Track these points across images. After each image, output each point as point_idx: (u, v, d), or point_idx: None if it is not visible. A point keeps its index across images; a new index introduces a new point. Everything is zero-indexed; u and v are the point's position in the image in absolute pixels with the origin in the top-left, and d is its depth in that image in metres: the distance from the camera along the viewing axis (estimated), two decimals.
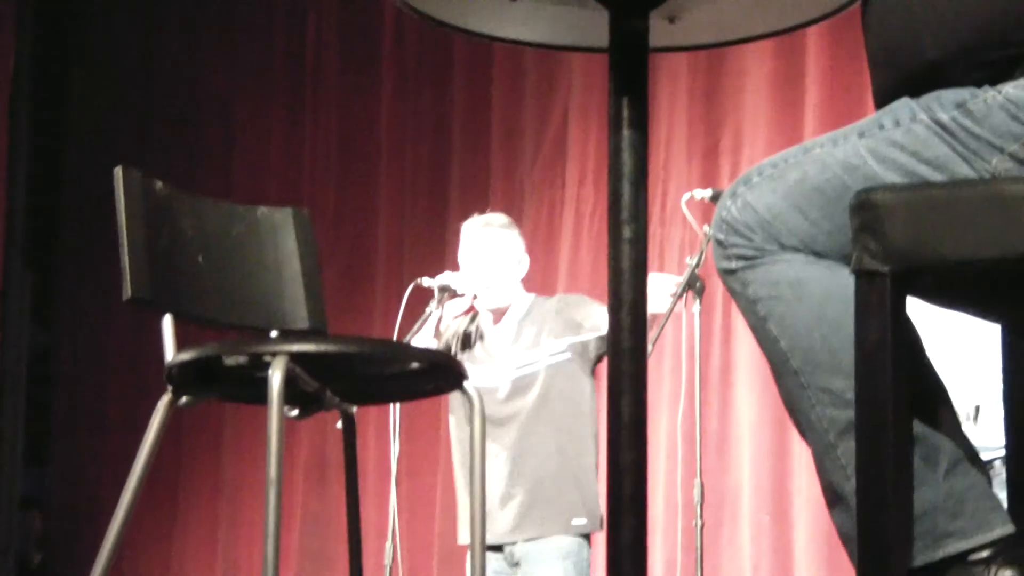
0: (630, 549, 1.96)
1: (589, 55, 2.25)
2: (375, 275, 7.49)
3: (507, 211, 7.04)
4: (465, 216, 7.26)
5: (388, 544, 5.29)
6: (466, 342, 5.07)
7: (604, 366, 2.15)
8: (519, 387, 4.86)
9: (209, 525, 8.04)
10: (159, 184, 2.97)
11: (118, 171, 2.89)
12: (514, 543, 4.82)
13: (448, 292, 5.08)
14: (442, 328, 5.10)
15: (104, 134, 8.61)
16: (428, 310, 5.16)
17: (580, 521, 4.78)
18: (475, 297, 5.06)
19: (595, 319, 4.82)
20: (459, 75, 7.51)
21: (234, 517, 7.91)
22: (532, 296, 5.09)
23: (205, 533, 8.04)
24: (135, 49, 8.74)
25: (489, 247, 5.02)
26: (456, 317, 5.11)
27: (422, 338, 5.02)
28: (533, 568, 4.78)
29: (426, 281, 5.17)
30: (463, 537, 4.99)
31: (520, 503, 4.79)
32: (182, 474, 8.06)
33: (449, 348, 5.07)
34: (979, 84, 1.80)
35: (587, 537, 4.84)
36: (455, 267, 5.23)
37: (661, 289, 4.60)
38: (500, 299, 4.99)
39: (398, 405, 5.26)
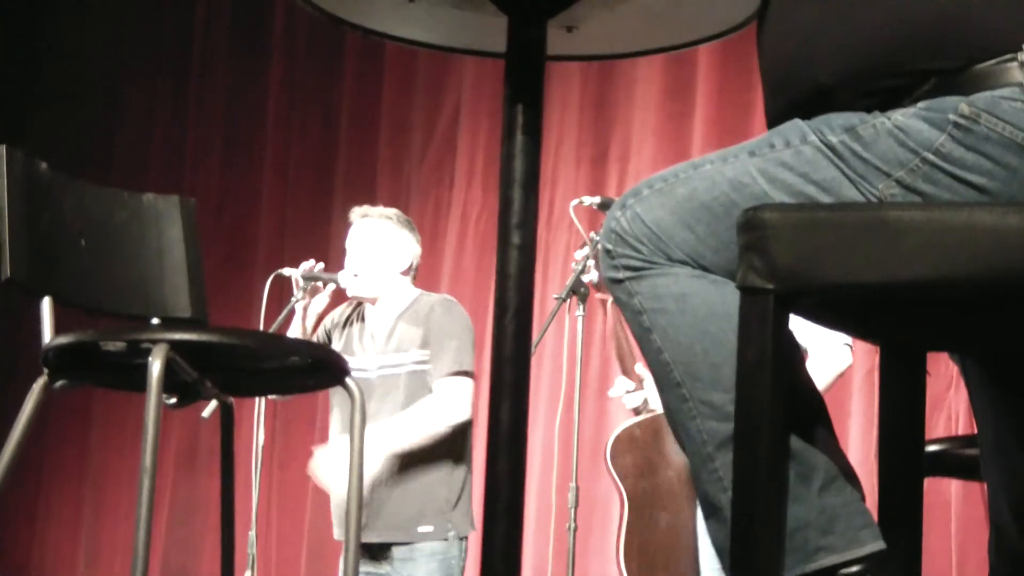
0: (503, 555, 1.97)
1: (481, 57, 2.25)
2: (256, 264, 7.44)
3: (392, 206, 7.05)
4: (349, 208, 7.25)
5: (252, 533, 5.26)
6: (346, 325, 5.06)
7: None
8: (384, 386, 4.83)
9: (73, 508, 7.93)
10: (43, 166, 2.92)
11: (1, 150, 2.84)
12: (378, 544, 4.81)
13: (312, 281, 5.07)
14: (328, 317, 5.10)
15: None
16: (293, 300, 5.15)
17: (426, 528, 4.78)
18: (339, 285, 5.06)
19: (435, 367, 4.78)
20: (349, 68, 7.48)
21: (99, 501, 7.81)
22: (417, 292, 5.04)
23: (69, 516, 7.93)
24: (17, 27, 8.59)
25: (359, 236, 5.00)
26: (342, 305, 5.09)
27: (294, 330, 5.00)
28: (400, 568, 4.78)
29: (287, 271, 5.17)
30: (337, 533, 4.99)
31: (379, 505, 4.78)
32: (47, 456, 7.94)
33: (329, 336, 5.05)
34: (869, 110, 1.83)
35: (462, 538, 4.83)
36: (337, 259, 5.22)
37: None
38: (370, 289, 4.95)
39: (263, 397, 5.24)
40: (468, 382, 4.71)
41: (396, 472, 4.79)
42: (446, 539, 4.78)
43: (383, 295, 4.96)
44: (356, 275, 4.95)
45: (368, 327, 4.98)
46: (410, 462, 4.79)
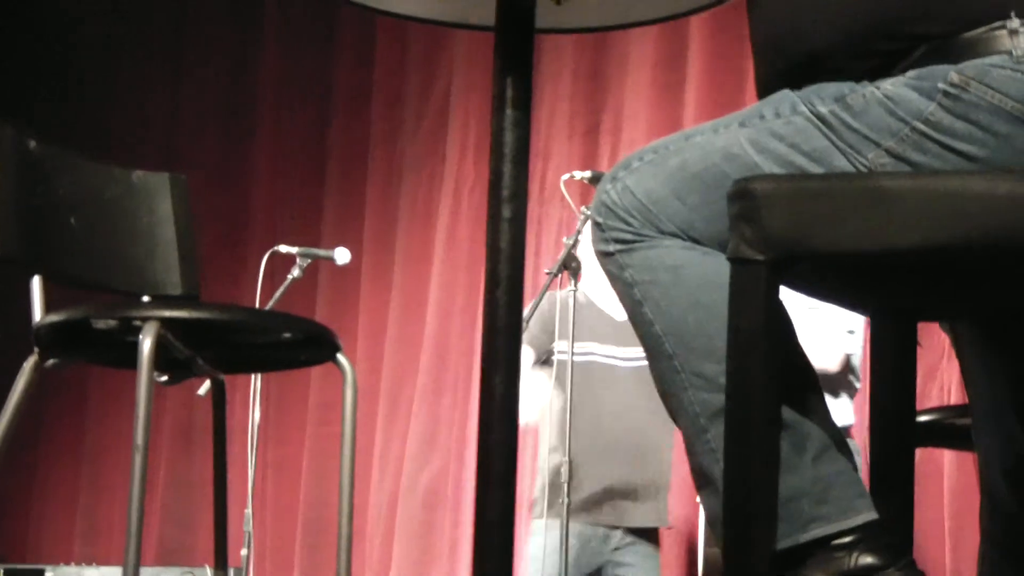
0: (498, 526, 1.97)
1: (473, 31, 2.24)
2: (250, 241, 7.43)
3: (385, 182, 7.04)
4: (342, 184, 7.24)
5: (247, 511, 5.26)
6: (575, 312, 4.86)
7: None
8: (639, 376, 4.73)
9: (69, 487, 7.93)
10: (32, 142, 2.91)
11: None
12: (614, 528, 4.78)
13: (309, 258, 5.04)
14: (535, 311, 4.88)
15: None
16: (290, 276, 5.13)
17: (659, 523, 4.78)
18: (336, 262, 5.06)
19: None
20: (342, 41, 7.46)
21: (95, 480, 7.82)
22: None
23: (65, 495, 7.93)
24: (9, 4, 8.55)
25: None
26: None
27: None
28: (628, 570, 4.75)
29: (283, 248, 5.15)
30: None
31: (622, 493, 4.74)
32: (43, 435, 7.93)
33: (548, 332, 4.87)
34: (859, 78, 1.83)
35: None
36: (330, 234, 5.20)
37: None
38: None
39: (259, 374, 5.23)
40: None
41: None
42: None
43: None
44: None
45: (606, 311, 4.86)
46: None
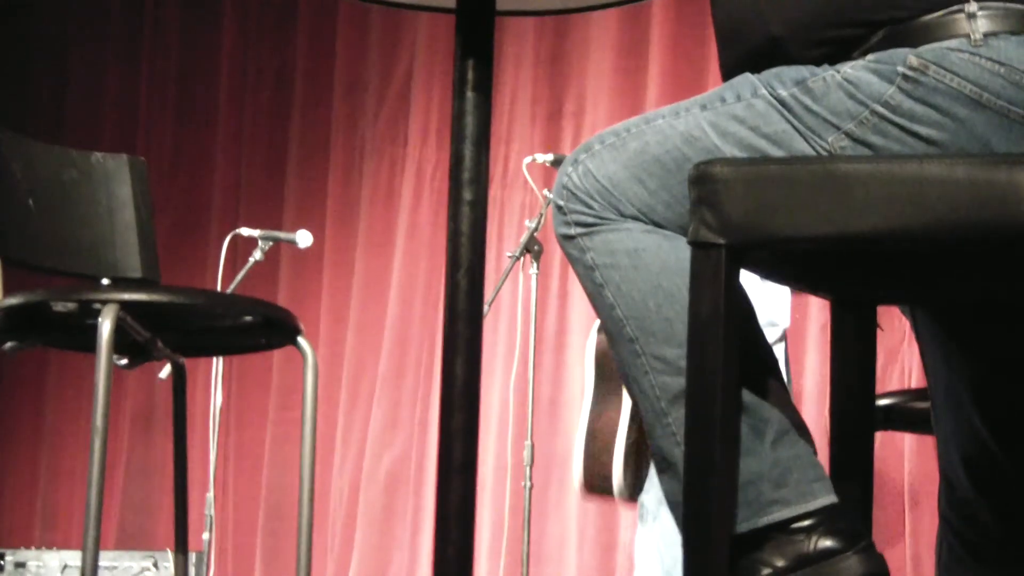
0: (458, 513, 1.97)
1: (434, 14, 2.24)
2: (210, 225, 7.39)
3: (346, 166, 7.01)
4: (304, 168, 7.21)
5: (209, 495, 5.25)
6: None
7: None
8: None
9: (29, 472, 7.88)
10: None
11: None
12: None
13: (270, 241, 5.02)
14: None
15: None
16: (251, 259, 5.11)
17: None
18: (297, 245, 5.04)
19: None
20: (302, 25, 7.43)
21: (55, 464, 7.77)
22: None
23: (25, 479, 7.89)
24: None
25: None
26: None
27: None
28: None
29: (245, 231, 5.13)
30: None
31: None
32: (2, 419, 7.88)
33: None
34: (819, 62, 1.83)
35: None
36: (292, 219, 5.18)
37: None
38: None
39: (221, 358, 5.22)
40: None
41: None
42: None
43: None
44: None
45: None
46: None
